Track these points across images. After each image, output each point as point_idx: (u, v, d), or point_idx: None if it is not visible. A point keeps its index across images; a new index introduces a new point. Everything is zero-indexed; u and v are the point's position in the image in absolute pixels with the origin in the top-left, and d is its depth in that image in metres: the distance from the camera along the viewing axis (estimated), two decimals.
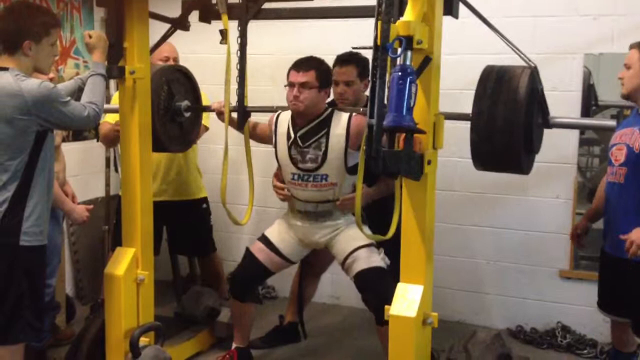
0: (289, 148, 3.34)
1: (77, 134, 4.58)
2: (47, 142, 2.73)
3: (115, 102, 3.75)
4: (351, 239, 3.30)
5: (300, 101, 3.23)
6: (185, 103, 3.50)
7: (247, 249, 3.54)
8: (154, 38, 3.36)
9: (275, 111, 3.45)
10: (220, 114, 3.45)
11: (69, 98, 2.72)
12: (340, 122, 3.27)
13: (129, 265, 3.16)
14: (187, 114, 3.53)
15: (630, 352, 3.20)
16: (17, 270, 2.70)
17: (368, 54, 2.29)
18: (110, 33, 3.06)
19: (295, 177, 3.34)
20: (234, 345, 3.62)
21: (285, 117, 3.39)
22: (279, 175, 3.46)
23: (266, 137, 3.53)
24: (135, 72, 3.09)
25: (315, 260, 3.79)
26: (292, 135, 3.33)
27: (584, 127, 2.75)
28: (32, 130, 2.65)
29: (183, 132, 3.58)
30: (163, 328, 3.26)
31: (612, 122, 2.71)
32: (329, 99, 3.43)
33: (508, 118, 2.55)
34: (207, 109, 3.60)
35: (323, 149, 3.27)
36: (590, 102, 3.92)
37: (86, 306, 4.47)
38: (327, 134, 3.27)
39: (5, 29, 2.70)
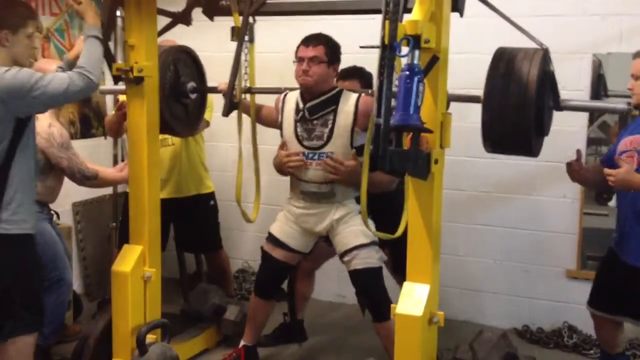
0: (296, 124, 3.33)
1: (85, 132, 4.60)
2: (27, 130, 2.69)
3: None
4: (354, 234, 3.30)
5: (309, 75, 3.23)
6: (191, 84, 3.50)
7: (262, 249, 3.57)
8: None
9: (283, 92, 3.46)
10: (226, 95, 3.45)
11: (38, 77, 2.56)
12: (349, 100, 3.27)
13: (136, 262, 3.18)
14: (193, 96, 3.53)
15: (619, 352, 3.22)
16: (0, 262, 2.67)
17: (376, 52, 2.28)
18: (104, 12, 3.00)
19: (300, 155, 3.33)
20: (242, 343, 3.63)
21: (293, 95, 3.40)
22: (284, 146, 3.41)
23: (272, 120, 3.51)
24: (143, 70, 3.08)
25: (307, 258, 3.76)
26: (301, 106, 3.32)
27: (595, 110, 2.72)
28: (8, 119, 2.60)
29: (188, 115, 3.58)
30: (170, 325, 3.27)
31: (623, 105, 2.69)
32: None
33: (520, 97, 2.52)
34: (214, 90, 3.57)
35: (330, 125, 3.26)
36: (599, 92, 3.91)
37: (93, 303, 4.49)
38: (335, 111, 3.26)
39: None
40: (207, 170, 4.23)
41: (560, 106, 2.80)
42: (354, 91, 3.37)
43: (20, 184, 2.69)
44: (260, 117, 3.56)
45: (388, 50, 2.13)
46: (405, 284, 2.59)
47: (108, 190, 4.61)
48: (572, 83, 3.92)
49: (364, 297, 3.34)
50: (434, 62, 2.31)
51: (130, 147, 3.25)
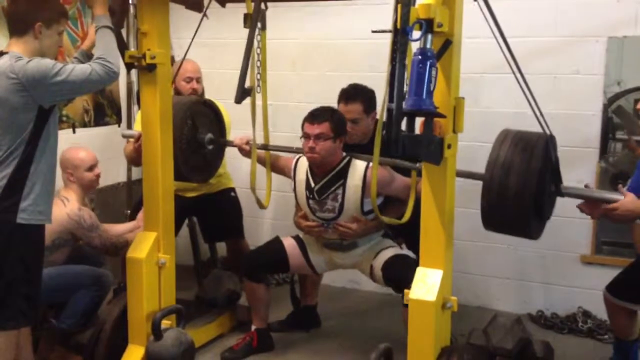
0: (307, 199, 3.40)
1: (99, 120, 4.61)
2: (49, 121, 2.70)
3: (137, 126, 3.74)
4: (373, 250, 3.41)
5: (316, 152, 3.26)
6: (208, 136, 3.55)
7: (278, 237, 3.61)
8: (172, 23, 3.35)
9: (296, 152, 3.48)
10: (242, 150, 3.51)
11: (61, 66, 2.60)
12: (356, 173, 3.30)
13: (151, 248, 3.19)
14: (210, 147, 3.57)
15: (634, 339, 3.20)
16: (13, 252, 2.68)
17: (388, 37, 2.27)
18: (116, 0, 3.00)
19: (321, 227, 3.42)
20: (253, 327, 3.67)
21: (304, 164, 3.44)
22: (304, 216, 3.49)
23: (286, 175, 3.58)
24: (155, 56, 3.08)
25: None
26: (312, 185, 3.37)
27: (593, 199, 2.76)
28: (30, 107, 2.62)
29: (206, 163, 3.64)
30: (185, 311, 3.30)
31: (620, 196, 2.66)
32: None
33: (520, 188, 2.53)
34: (230, 143, 3.64)
35: (340, 200, 3.32)
36: (608, 134, 3.90)
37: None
38: (344, 185, 3.31)
39: (19, 10, 2.71)
40: (227, 172, 4.25)
41: (562, 193, 2.78)
42: (359, 157, 3.33)
43: (41, 175, 2.71)
44: (277, 169, 3.61)
45: (400, 35, 2.11)
46: (419, 270, 2.59)
47: (122, 178, 4.63)
48: (587, 67, 3.88)
49: (397, 279, 3.19)
50: (447, 46, 2.30)
51: (144, 134, 3.24)
